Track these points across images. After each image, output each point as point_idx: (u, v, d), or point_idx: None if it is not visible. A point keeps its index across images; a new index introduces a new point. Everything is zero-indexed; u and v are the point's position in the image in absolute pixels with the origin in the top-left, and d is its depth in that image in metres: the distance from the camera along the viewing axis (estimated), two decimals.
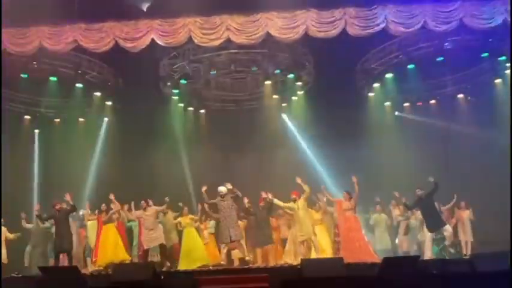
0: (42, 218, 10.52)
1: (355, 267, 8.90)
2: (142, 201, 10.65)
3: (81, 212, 11.56)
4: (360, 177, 10.53)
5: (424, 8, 10.22)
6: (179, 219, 11.28)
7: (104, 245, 10.63)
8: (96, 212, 11.16)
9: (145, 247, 10.53)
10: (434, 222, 10.22)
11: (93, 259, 10.79)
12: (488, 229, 11.50)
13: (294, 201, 10.44)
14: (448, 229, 10.38)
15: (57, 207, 10.19)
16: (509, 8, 9.92)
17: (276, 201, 10.45)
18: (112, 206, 10.95)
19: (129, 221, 11.54)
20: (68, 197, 10.35)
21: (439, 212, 10.69)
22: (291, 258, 10.71)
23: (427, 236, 10.35)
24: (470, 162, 13.17)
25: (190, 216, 11.38)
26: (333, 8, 10.35)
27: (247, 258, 10.08)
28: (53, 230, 10.70)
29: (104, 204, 11.06)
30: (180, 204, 11.29)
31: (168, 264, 10.46)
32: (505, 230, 10.39)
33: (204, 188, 10.21)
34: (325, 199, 11.02)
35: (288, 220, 11.21)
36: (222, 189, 10.13)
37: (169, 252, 10.91)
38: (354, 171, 11.70)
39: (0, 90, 11.92)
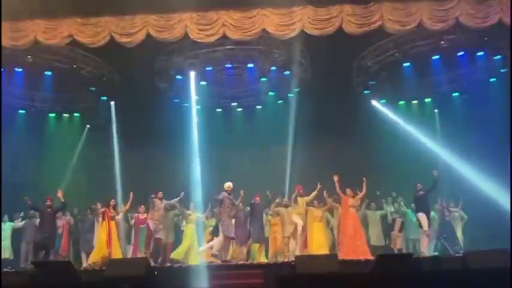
0: (31, 208, 10.61)
1: (349, 264, 8.94)
2: (160, 192, 10.92)
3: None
4: (354, 174, 10.59)
5: (420, 6, 10.22)
6: (188, 211, 11.35)
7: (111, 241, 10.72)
8: (111, 208, 11.11)
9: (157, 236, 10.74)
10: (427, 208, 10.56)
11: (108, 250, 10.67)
12: (482, 228, 11.61)
13: (300, 196, 10.48)
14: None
15: (48, 203, 10.22)
16: (509, 7, 9.91)
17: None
18: (120, 208, 11.11)
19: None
20: (59, 194, 10.43)
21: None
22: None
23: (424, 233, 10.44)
24: (465, 160, 13.21)
25: (197, 213, 11.48)
26: (330, 5, 10.35)
27: (229, 257, 10.12)
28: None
29: (113, 200, 11.11)
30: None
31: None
32: (498, 229, 10.52)
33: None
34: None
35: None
36: (230, 184, 10.20)
37: (162, 248, 10.96)
38: (348, 169, 11.75)
39: (0, 89, 11.89)
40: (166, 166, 14.16)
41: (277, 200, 11.13)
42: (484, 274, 6.83)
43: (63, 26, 10.45)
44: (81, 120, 15.09)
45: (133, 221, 11.62)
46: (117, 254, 10.52)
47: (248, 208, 11.11)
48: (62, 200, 10.45)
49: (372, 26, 10.32)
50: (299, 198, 10.59)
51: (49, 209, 10.22)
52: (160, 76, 13.93)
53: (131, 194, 11.07)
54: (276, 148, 14.82)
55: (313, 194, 10.60)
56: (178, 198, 11.04)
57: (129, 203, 11.10)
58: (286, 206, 10.80)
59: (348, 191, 10.69)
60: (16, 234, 11.82)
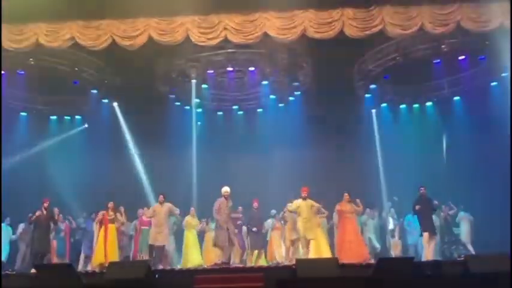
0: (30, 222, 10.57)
1: (350, 268, 8.91)
2: (161, 196, 10.68)
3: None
4: (354, 178, 10.56)
5: (421, 10, 10.22)
6: (186, 218, 11.32)
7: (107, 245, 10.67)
8: (109, 211, 11.05)
9: (151, 242, 10.40)
10: (431, 226, 10.40)
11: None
12: (485, 231, 11.60)
13: (304, 199, 10.44)
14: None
15: (46, 205, 10.23)
16: (509, 9, 9.90)
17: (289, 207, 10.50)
18: (118, 216, 11.04)
19: None
20: (56, 213, 10.88)
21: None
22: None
23: (426, 238, 10.37)
24: (466, 164, 13.21)
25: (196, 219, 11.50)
26: (331, 9, 10.35)
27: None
28: None
29: (111, 203, 11.05)
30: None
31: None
32: (501, 233, 10.50)
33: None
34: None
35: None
36: (228, 189, 10.05)
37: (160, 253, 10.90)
38: (349, 172, 11.68)
39: (1, 90, 11.89)
40: (167, 169, 14.16)
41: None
42: (485, 278, 6.82)
43: (64, 29, 10.46)
44: (83, 123, 15.08)
45: (137, 222, 11.63)
46: (113, 258, 10.42)
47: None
48: (56, 218, 10.77)
49: (373, 30, 10.30)
50: (304, 202, 10.48)
51: (45, 211, 10.23)
52: (162, 79, 13.95)
53: (122, 209, 11.13)
54: (276, 151, 14.83)
55: (315, 208, 10.58)
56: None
57: (123, 217, 11.14)
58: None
59: (345, 195, 10.67)
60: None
